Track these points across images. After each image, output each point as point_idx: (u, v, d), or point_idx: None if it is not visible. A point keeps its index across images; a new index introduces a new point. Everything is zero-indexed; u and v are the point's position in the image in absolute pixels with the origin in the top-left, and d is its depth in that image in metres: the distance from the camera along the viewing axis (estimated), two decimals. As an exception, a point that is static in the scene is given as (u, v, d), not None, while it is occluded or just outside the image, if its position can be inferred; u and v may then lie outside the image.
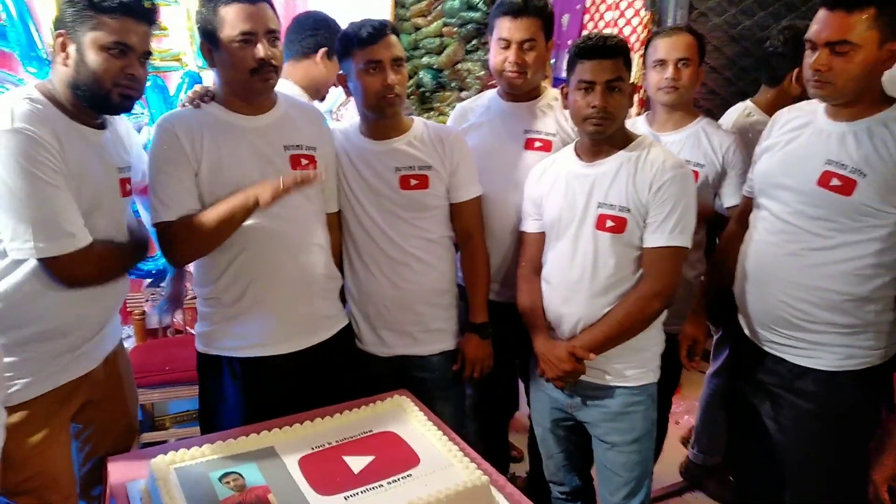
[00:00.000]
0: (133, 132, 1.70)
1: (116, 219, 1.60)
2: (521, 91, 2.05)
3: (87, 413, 1.63)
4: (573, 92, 1.70)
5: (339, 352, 1.86)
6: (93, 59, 1.44)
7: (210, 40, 1.61)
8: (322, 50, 2.15)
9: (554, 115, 2.04)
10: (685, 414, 3.22)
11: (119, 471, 1.46)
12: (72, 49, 1.44)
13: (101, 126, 1.57)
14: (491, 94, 2.17)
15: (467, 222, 1.93)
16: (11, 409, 1.44)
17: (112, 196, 1.57)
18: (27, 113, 1.39)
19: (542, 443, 1.99)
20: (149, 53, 1.53)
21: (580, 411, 1.82)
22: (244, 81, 1.61)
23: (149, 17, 1.50)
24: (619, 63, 1.67)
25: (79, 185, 1.45)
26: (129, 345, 1.85)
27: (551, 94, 2.10)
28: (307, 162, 1.73)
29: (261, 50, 1.58)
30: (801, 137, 1.69)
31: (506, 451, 2.59)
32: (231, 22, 1.57)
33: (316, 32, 2.17)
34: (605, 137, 1.70)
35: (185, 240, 1.60)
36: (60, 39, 1.44)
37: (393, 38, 1.78)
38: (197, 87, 1.72)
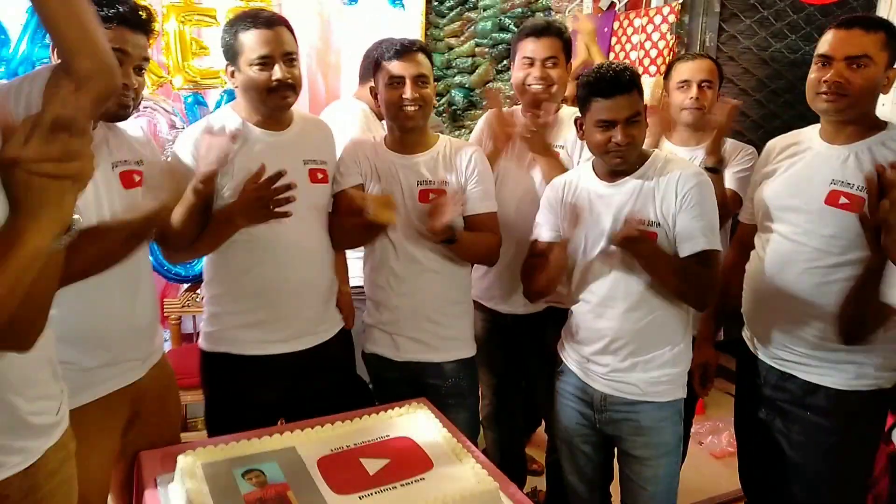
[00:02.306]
0: (143, 131, 1.73)
1: (112, 212, 1.55)
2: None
3: (136, 428, 1.65)
4: (591, 129, 1.71)
5: (336, 353, 1.96)
6: None
7: (232, 63, 1.73)
8: None
9: (561, 130, 2.11)
10: (709, 435, 3.20)
11: (151, 465, 1.54)
12: None
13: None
14: (516, 109, 2.23)
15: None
16: None
17: (106, 190, 1.54)
18: None
19: (564, 458, 2.00)
20: (146, 60, 1.57)
21: (607, 426, 1.83)
22: (262, 101, 1.72)
23: (144, 27, 1.53)
24: (636, 97, 1.67)
25: None
26: (165, 348, 1.93)
27: (568, 111, 2.16)
28: (322, 176, 1.84)
29: (277, 72, 1.69)
30: (801, 161, 1.72)
31: (522, 461, 2.61)
32: (250, 46, 1.68)
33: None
34: (627, 166, 1.74)
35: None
36: None
37: (420, 56, 1.86)
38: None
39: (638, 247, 1.65)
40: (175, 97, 2.55)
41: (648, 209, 1.70)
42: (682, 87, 2.19)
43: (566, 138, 2.11)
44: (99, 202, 1.51)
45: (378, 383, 2.08)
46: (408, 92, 1.83)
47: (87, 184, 0.89)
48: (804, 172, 1.71)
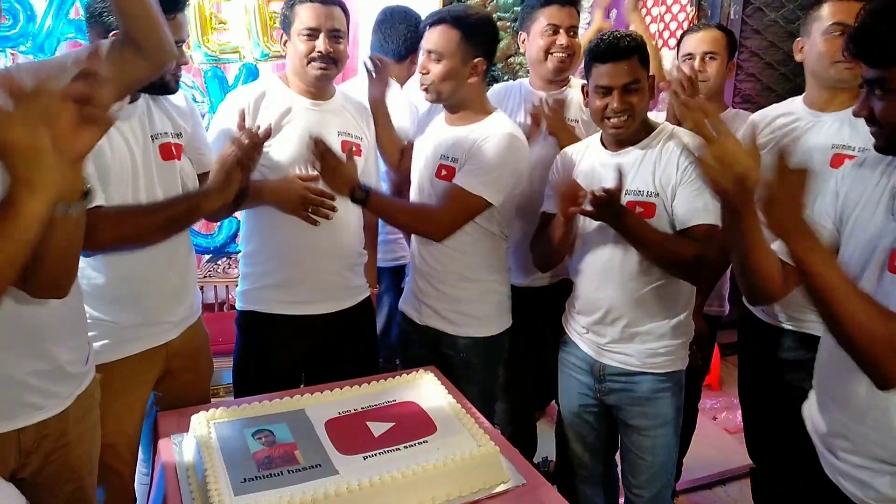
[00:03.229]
0: (187, 101, 1.79)
1: (148, 182, 1.61)
2: (562, 77, 2.15)
3: (166, 382, 1.74)
4: (591, 94, 1.72)
5: (359, 321, 2.04)
6: None
7: (286, 32, 1.87)
8: (413, 55, 2.34)
9: (574, 103, 2.14)
10: (724, 410, 3.20)
11: (168, 425, 1.61)
12: None
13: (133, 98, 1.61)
14: (523, 82, 2.26)
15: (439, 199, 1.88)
16: None
17: (143, 161, 1.59)
18: None
19: (568, 427, 2.03)
20: (187, 36, 1.70)
21: (608, 396, 1.86)
22: (304, 67, 1.84)
23: (184, 5, 1.63)
24: (635, 64, 1.67)
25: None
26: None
27: (575, 83, 2.19)
28: (355, 149, 1.90)
29: (321, 44, 1.81)
30: (796, 130, 1.75)
31: (532, 432, 2.62)
32: (302, 18, 1.81)
33: (406, 37, 2.36)
34: (626, 136, 1.73)
35: None
36: None
37: (441, 27, 1.82)
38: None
39: (609, 217, 1.64)
40: (195, 72, 2.59)
41: (649, 179, 1.71)
42: (687, 59, 2.21)
43: (578, 113, 2.13)
44: (135, 172, 1.58)
45: (404, 342, 2.15)
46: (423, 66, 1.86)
47: (85, 155, 0.92)
48: (803, 140, 1.75)
